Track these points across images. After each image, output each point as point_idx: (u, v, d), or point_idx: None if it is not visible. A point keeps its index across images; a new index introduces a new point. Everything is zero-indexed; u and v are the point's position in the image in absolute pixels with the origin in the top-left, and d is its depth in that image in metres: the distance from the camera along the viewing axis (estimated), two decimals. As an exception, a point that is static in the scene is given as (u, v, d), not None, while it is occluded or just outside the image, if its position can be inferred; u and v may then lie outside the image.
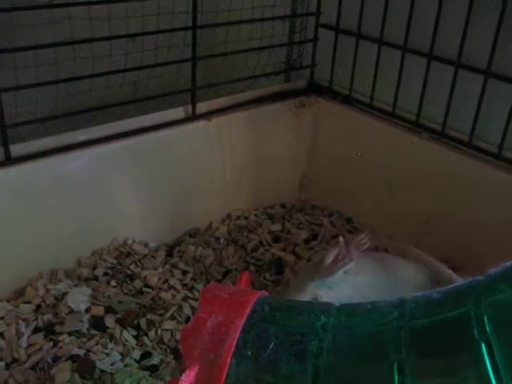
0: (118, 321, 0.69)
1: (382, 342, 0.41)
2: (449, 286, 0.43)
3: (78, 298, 0.71)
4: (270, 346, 0.45)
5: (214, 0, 0.86)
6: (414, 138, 0.83)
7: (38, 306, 0.71)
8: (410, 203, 0.84)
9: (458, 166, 0.79)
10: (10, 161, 0.70)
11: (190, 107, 0.83)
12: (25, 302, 0.71)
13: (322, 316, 0.45)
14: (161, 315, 0.70)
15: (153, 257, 0.80)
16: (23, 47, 0.69)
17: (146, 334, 0.68)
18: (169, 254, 0.82)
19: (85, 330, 0.67)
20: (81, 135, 0.75)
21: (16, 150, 0.70)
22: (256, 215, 0.93)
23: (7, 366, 0.63)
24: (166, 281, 0.76)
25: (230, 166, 0.89)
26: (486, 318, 0.38)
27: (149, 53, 0.85)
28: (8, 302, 0.71)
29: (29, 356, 0.64)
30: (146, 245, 0.82)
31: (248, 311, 0.46)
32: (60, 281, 0.74)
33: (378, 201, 0.88)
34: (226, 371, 0.43)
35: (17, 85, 0.71)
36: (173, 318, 0.70)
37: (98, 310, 0.70)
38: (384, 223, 0.86)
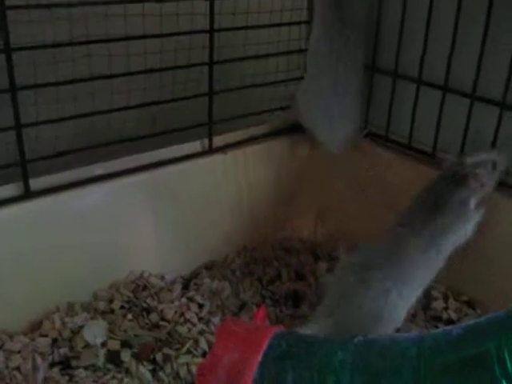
0: (134, 355, 0.68)
1: (401, 380, 0.40)
2: (468, 323, 0.42)
3: (95, 332, 0.71)
4: (287, 383, 0.44)
5: (231, 36, 0.87)
6: (431, 170, 0.83)
7: (55, 340, 0.71)
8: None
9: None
10: (29, 194, 0.71)
11: (206, 141, 0.84)
12: (41, 336, 0.71)
13: (340, 352, 0.45)
14: (177, 349, 0.70)
15: (169, 290, 0.80)
16: (44, 84, 0.71)
17: (162, 369, 0.67)
18: (185, 287, 0.82)
19: (101, 365, 0.67)
20: (99, 169, 0.76)
21: (35, 183, 0.71)
22: (272, 247, 0.92)
23: (24, 401, 0.63)
24: (183, 314, 0.76)
25: (246, 198, 0.89)
26: (506, 355, 0.37)
27: (166, 87, 0.86)
28: (25, 335, 0.71)
29: (45, 390, 0.64)
30: (162, 278, 0.82)
31: (264, 347, 0.46)
32: (77, 314, 0.74)
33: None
34: (242, 408, 0.42)
35: (37, 120, 0.72)
36: (189, 352, 0.70)
37: (114, 344, 0.70)
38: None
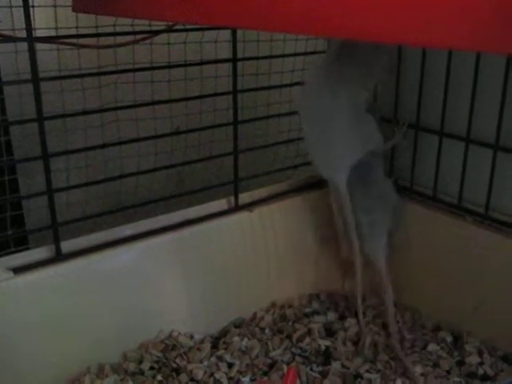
0: (164, 417, 0.68)
1: None
2: (503, 381, 0.41)
3: (125, 394, 0.71)
4: None
5: (253, 96, 0.90)
6: (458, 221, 0.83)
7: (85, 403, 0.71)
8: (456, 286, 0.82)
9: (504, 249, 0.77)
10: (60, 257, 0.73)
11: (232, 199, 0.86)
12: (72, 399, 0.71)
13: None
14: (207, 411, 0.69)
15: (198, 349, 0.80)
16: (74, 150, 0.73)
17: (193, 431, 0.66)
18: (214, 346, 0.81)
19: (131, 428, 0.66)
20: (128, 230, 0.78)
21: (66, 246, 0.73)
22: (301, 304, 0.92)
23: None
24: (212, 374, 0.75)
25: (273, 254, 0.89)
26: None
27: (192, 148, 0.89)
28: (56, 398, 0.71)
29: None
30: (191, 337, 0.82)
31: (295, 410, 0.45)
32: (107, 376, 0.74)
33: (423, 286, 0.87)
34: None
35: (68, 185, 0.75)
36: (219, 413, 0.69)
37: (144, 407, 0.69)
38: (431, 308, 0.85)
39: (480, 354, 0.78)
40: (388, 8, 0.28)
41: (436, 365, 0.78)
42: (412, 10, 0.28)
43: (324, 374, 0.76)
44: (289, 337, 0.83)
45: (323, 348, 0.81)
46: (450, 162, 0.85)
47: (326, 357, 0.80)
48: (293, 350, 0.81)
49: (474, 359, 0.78)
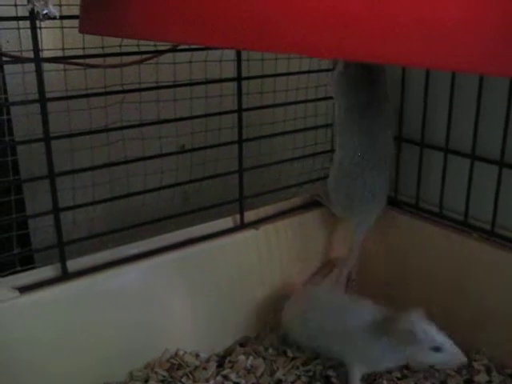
0: None
1: None
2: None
3: (130, 414, 0.70)
4: None
5: (258, 114, 0.90)
6: (464, 238, 0.82)
7: (91, 423, 0.70)
8: (463, 303, 0.82)
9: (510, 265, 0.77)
10: (66, 276, 0.73)
11: (238, 216, 0.86)
12: (78, 419, 0.71)
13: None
14: (213, 431, 0.68)
15: (204, 368, 0.79)
16: (80, 169, 0.74)
17: None
18: (220, 365, 0.81)
19: None
20: (134, 248, 0.78)
21: (72, 265, 0.73)
22: (307, 321, 0.91)
23: None
24: (218, 394, 0.75)
25: (279, 272, 0.89)
26: None
27: (198, 166, 0.89)
28: (61, 418, 0.71)
29: None
30: (197, 356, 0.82)
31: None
32: (112, 395, 0.74)
33: (429, 303, 0.86)
34: None
35: (74, 204, 0.75)
36: (225, 433, 0.68)
37: (151, 427, 0.69)
38: (438, 326, 0.84)
39: (488, 372, 0.78)
40: (395, 31, 0.28)
41: (443, 383, 0.77)
42: (418, 35, 0.28)
43: (331, 394, 0.76)
44: (293, 357, 0.83)
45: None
46: (456, 178, 0.85)
47: (329, 377, 0.79)
48: (297, 370, 0.80)
49: (482, 377, 0.77)
